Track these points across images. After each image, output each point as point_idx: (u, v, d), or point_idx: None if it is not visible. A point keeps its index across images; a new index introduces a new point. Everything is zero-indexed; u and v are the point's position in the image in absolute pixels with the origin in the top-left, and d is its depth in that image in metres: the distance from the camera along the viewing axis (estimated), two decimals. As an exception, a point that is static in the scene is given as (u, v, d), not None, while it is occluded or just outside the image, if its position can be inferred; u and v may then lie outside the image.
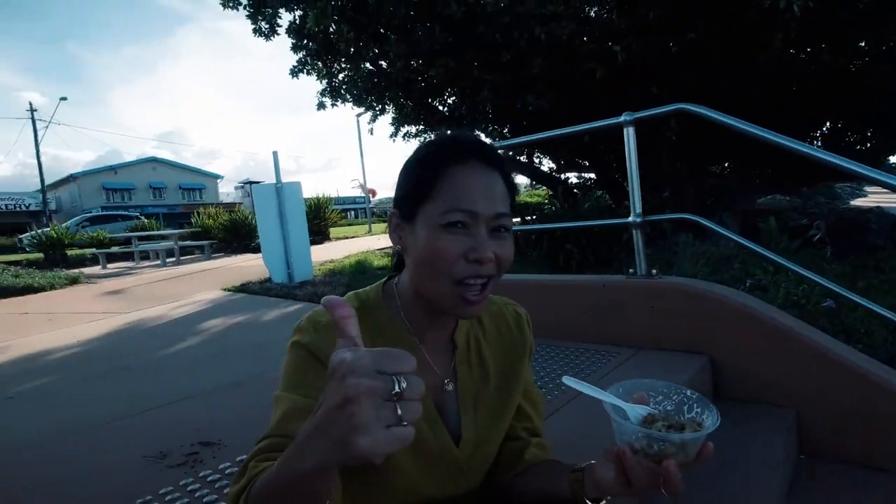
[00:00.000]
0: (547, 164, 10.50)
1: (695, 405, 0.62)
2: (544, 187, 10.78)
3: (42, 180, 31.44)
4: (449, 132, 0.73)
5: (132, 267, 10.65)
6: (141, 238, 12.42)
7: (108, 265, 10.88)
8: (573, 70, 5.82)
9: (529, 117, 6.77)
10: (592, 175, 9.97)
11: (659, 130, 5.50)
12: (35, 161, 30.88)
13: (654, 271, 2.24)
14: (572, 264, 4.98)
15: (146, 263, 11.14)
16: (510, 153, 8.95)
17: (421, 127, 10.07)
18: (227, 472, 1.51)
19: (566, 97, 6.22)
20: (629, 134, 2.23)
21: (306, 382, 0.63)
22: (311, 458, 0.41)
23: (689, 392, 0.63)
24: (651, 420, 0.59)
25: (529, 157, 9.85)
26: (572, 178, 10.76)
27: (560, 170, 10.14)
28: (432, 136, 10.41)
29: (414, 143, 10.57)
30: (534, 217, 6.00)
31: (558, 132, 2.91)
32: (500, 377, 0.79)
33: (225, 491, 1.40)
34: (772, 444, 1.67)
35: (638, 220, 2.27)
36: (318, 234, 13.88)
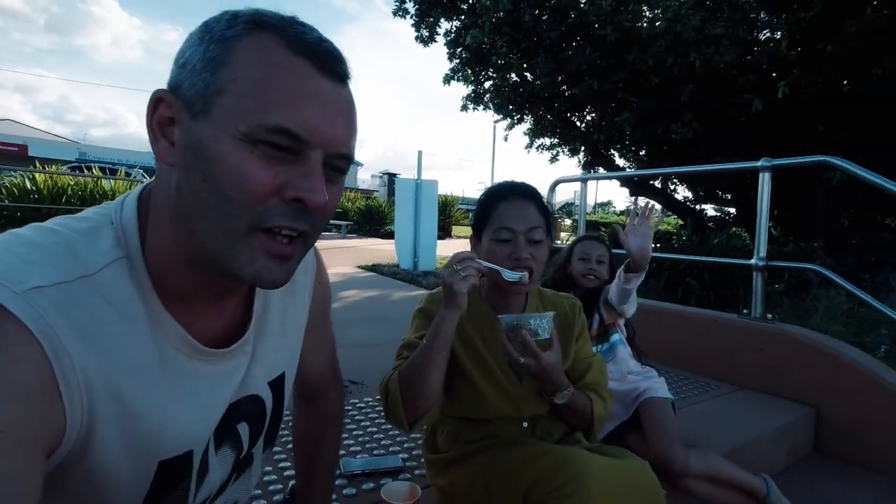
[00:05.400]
0: (682, 193, 10.04)
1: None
2: (676, 216, 10.31)
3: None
4: (503, 182, 1.13)
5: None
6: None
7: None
8: (727, 100, 5.61)
9: (670, 144, 6.63)
10: (733, 210, 9.35)
11: (815, 173, 5.09)
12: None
13: (769, 316, 2.28)
14: (690, 299, 4.84)
15: (293, 233, 12.73)
16: (638, 178, 8.74)
17: (556, 140, 10.22)
18: (369, 403, 1.95)
19: (715, 128, 6.00)
20: (764, 180, 2.29)
21: (423, 329, 1.06)
22: (445, 313, 0.93)
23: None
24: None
25: (665, 182, 9.51)
26: (709, 209, 10.16)
27: (697, 200, 9.64)
28: (566, 150, 10.50)
29: (546, 155, 10.73)
30: (657, 245, 5.88)
31: (695, 168, 2.97)
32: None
33: (369, 414, 1.84)
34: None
35: (760, 263, 2.31)
36: (442, 230, 14.65)
